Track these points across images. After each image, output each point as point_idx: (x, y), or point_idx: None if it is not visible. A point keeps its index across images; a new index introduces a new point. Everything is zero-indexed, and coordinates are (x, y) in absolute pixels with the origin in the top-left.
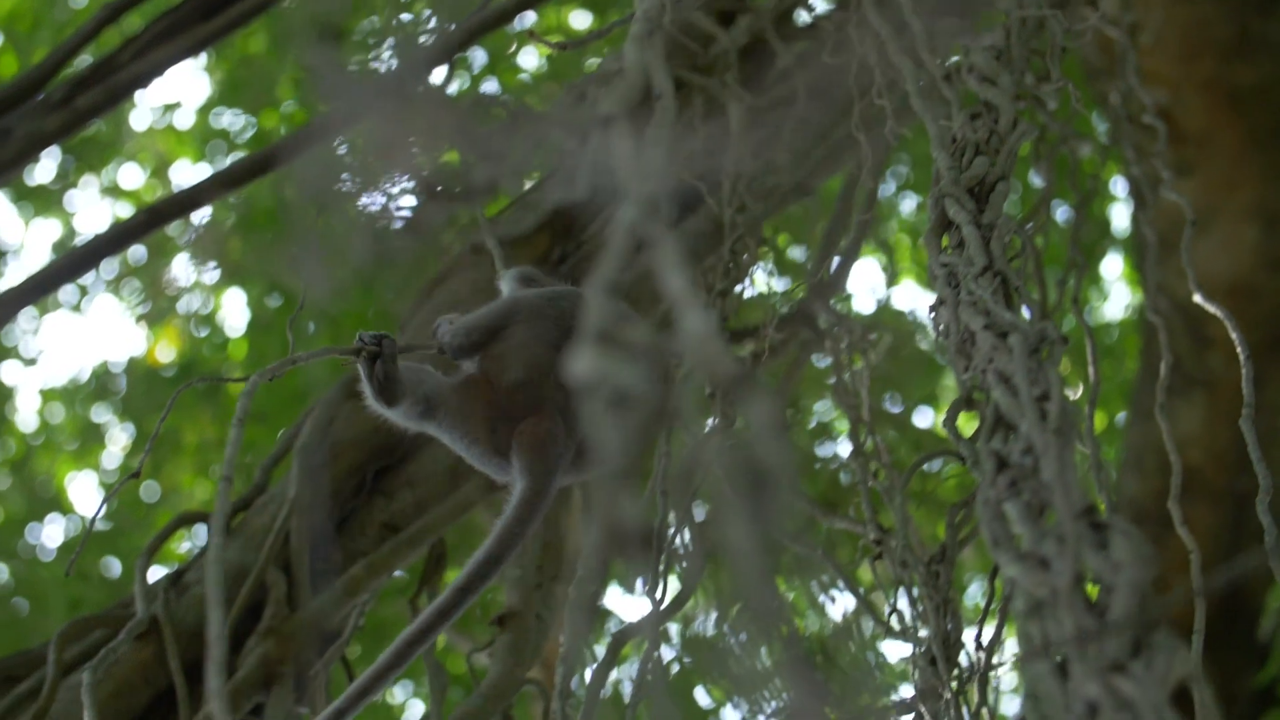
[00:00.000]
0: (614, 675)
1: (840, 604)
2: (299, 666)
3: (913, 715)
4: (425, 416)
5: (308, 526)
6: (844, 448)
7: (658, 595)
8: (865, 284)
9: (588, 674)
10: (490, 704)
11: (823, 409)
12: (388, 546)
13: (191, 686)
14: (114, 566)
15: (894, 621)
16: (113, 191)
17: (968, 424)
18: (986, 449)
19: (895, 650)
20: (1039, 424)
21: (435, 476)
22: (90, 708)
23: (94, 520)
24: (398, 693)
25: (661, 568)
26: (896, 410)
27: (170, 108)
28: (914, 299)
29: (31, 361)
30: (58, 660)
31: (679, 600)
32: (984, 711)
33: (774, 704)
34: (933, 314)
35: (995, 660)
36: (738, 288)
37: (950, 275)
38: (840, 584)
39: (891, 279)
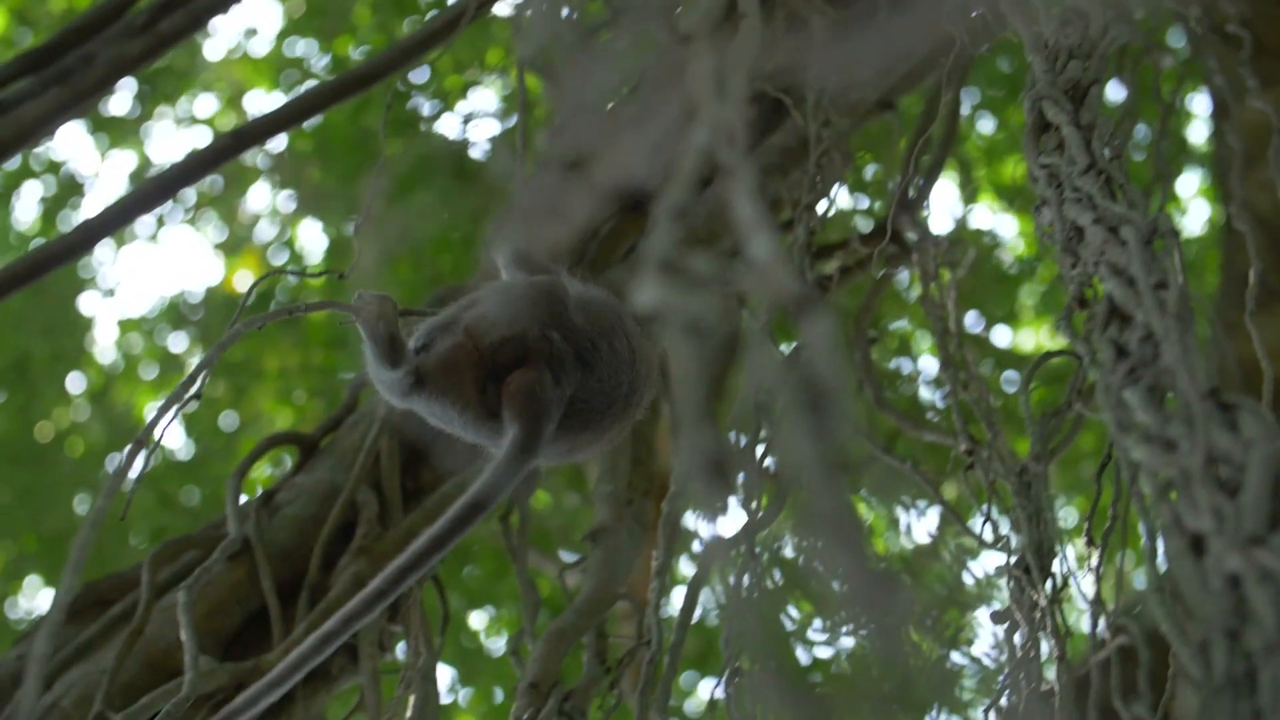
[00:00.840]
0: (704, 594)
1: (926, 522)
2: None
3: (1008, 625)
4: (413, 390)
5: (397, 445)
6: (922, 365)
7: (744, 514)
8: (943, 203)
9: (678, 591)
10: (584, 620)
11: (902, 327)
12: (478, 464)
13: (284, 606)
14: (195, 496)
15: (986, 533)
16: (188, 121)
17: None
18: (1104, 339)
19: (985, 565)
20: (1157, 310)
21: None
22: (187, 627)
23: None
24: (474, 620)
25: (746, 490)
26: (977, 329)
27: (246, 34)
28: (990, 218)
29: (110, 293)
30: (151, 581)
31: (765, 519)
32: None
33: (855, 623)
34: (1037, 214)
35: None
36: (823, 203)
37: (1052, 176)
38: (918, 500)
39: (969, 198)
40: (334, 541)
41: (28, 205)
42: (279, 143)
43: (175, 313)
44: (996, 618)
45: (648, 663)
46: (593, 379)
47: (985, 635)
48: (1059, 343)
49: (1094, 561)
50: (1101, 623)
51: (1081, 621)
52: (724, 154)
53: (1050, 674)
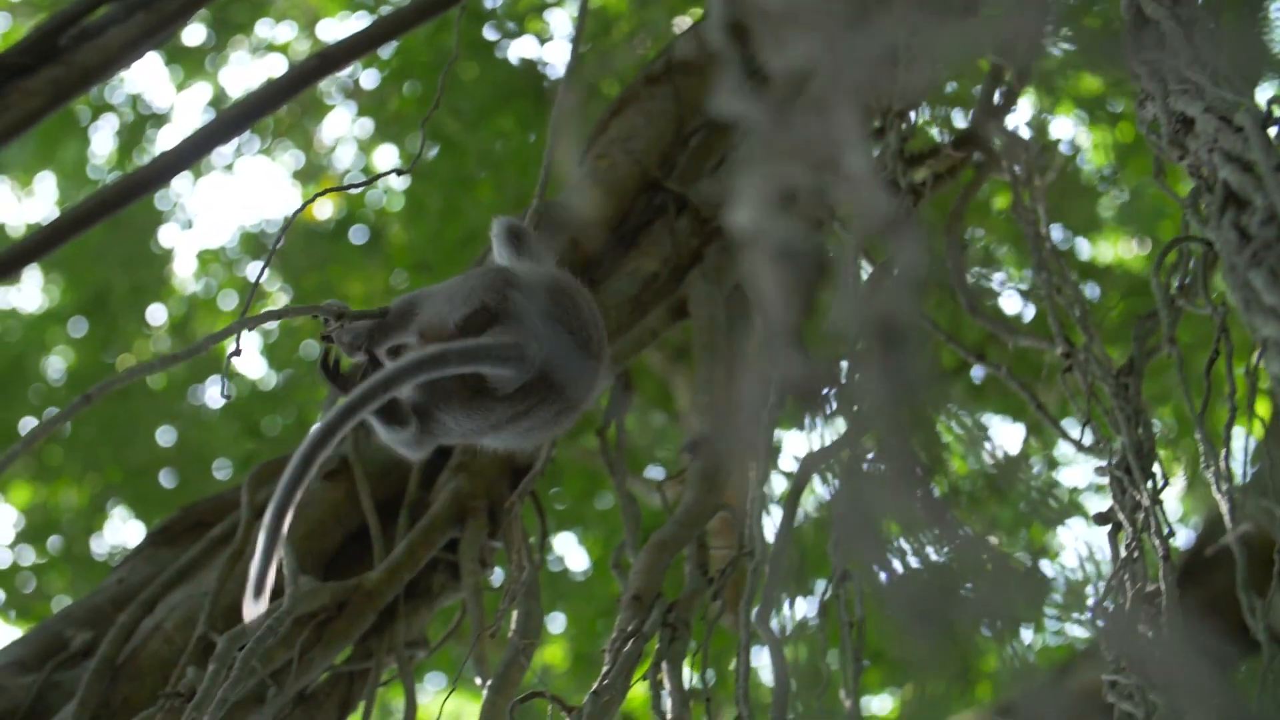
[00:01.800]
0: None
1: (1013, 432)
2: (491, 501)
3: (1110, 527)
4: (429, 432)
5: None
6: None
7: (831, 433)
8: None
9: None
10: (684, 531)
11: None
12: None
13: (384, 524)
14: (278, 425)
15: (1083, 437)
16: (263, 49)
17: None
18: (1225, 224)
19: (1075, 474)
20: None
21: (620, 308)
22: (287, 545)
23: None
24: (561, 545)
25: (832, 409)
26: (1059, 241)
27: None
28: (1070, 130)
29: (188, 224)
30: (251, 502)
31: (852, 436)
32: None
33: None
34: (1140, 109)
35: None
36: (913, 113)
37: (1154, 71)
38: (1005, 412)
39: (1050, 108)
40: (433, 459)
41: (105, 139)
42: (357, 69)
43: (254, 242)
44: (1099, 519)
45: (752, 572)
46: (564, 330)
47: (1073, 546)
48: (1138, 254)
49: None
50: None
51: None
52: (823, 60)
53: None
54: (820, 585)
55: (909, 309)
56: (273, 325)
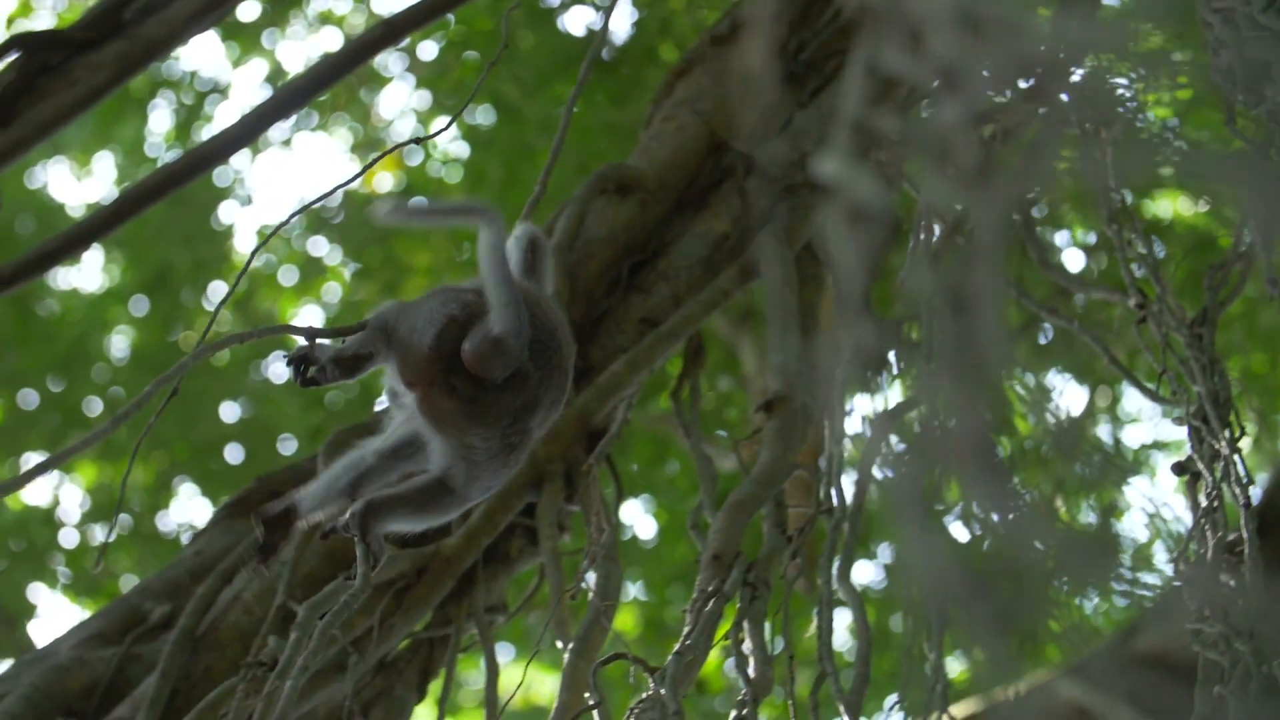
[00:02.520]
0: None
1: (1078, 394)
2: (567, 465)
3: (1189, 476)
4: (469, 480)
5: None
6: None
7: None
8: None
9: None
10: (762, 489)
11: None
12: (647, 341)
13: None
14: (340, 399)
15: (1160, 389)
16: (318, 24)
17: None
18: None
19: (1142, 433)
20: None
21: (690, 269)
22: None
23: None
24: (629, 513)
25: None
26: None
27: None
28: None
29: (248, 200)
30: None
31: (921, 396)
32: None
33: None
34: (1215, 57)
35: None
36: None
37: (1227, 18)
38: (1073, 370)
39: (1114, 63)
40: None
41: (162, 117)
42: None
43: (314, 217)
44: (1177, 469)
45: (831, 530)
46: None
47: (1141, 504)
48: (1199, 211)
49: None
50: None
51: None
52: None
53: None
54: (885, 548)
55: (989, 267)
56: (333, 299)
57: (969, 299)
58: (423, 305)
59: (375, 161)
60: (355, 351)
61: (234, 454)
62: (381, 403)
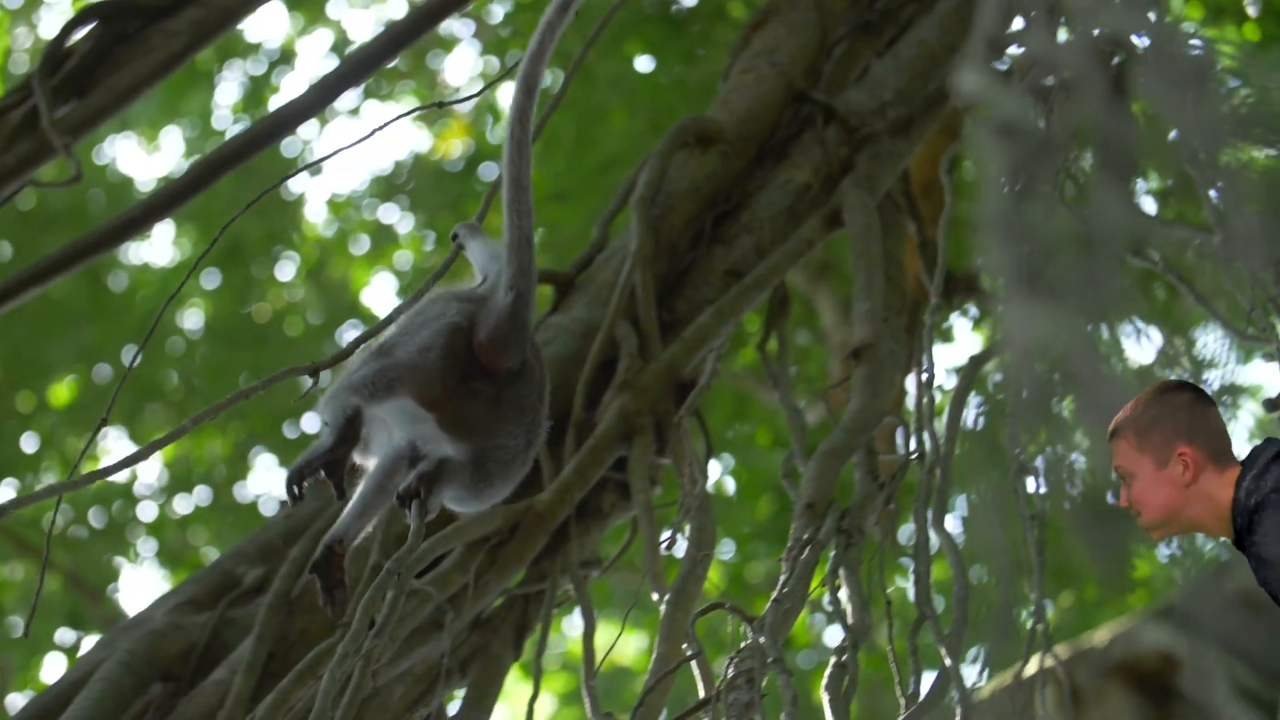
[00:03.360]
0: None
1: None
2: (658, 417)
3: None
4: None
5: (652, 278)
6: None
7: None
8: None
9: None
10: (852, 437)
11: None
12: (733, 292)
13: (551, 446)
14: None
15: (1247, 327)
16: None
17: None
18: None
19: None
20: None
21: (773, 220)
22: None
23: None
24: (716, 472)
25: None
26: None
27: None
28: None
29: (318, 170)
30: None
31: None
32: None
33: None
34: None
35: None
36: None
37: None
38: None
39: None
40: (596, 378)
41: (229, 89)
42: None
43: (385, 185)
44: (1269, 405)
45: (927, 472)
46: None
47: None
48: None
49: None
50: None
51: None
52: None
53: None
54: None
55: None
56: (405, 266)
57: (1089, 236)
58: (415, 334)
59: (400, 118)
60: (332, 451)
61: (311, 424)
62: None
